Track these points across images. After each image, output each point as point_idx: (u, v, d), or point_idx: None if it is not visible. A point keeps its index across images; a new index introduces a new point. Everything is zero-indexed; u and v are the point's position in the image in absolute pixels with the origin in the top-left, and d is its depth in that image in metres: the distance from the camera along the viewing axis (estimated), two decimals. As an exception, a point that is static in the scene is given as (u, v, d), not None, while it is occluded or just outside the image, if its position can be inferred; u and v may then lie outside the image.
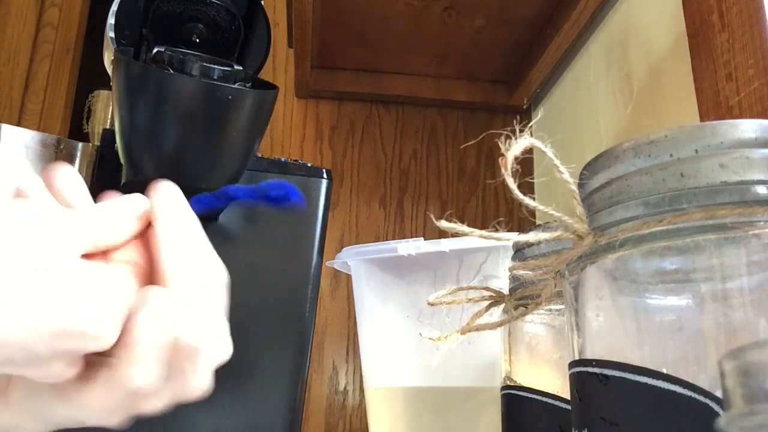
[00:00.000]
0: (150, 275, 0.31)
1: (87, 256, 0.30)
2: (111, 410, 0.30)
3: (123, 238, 0.32)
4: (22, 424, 0.31)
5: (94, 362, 0.30)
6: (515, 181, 0.31)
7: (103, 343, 0.28)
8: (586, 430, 0.29)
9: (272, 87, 0.56)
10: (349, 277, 0.72)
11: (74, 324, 0.27)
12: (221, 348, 0.32)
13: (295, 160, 0.68)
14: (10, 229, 0.27)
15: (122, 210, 0.32)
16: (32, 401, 0.30)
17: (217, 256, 0.33)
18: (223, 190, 0.42)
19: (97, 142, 0.63)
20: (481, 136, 1.14)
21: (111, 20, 0.53)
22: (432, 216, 0.37)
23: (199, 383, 0.31)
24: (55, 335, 0.27)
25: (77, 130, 0.94)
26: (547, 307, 0.42)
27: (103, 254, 0.31)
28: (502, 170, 0.31)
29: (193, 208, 0.33)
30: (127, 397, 0.30)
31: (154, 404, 0.31)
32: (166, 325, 0.29)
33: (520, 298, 0.44)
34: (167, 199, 0.33)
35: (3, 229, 0.27)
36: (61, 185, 0.32)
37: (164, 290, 0.30)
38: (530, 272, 0.38)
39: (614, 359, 0.28)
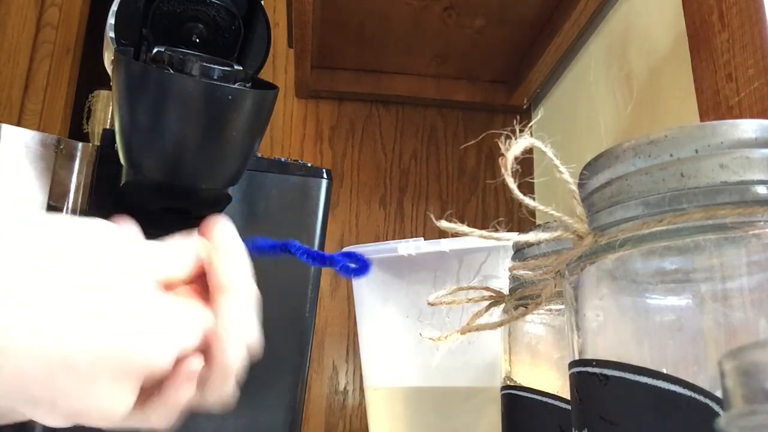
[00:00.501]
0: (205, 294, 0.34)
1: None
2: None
3: (186, 274, 0.34)
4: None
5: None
6: (515, 181, 0.31)
7: (158, 369, 0.30)
8: (586, 430, 0.29)
9: (272, 87, 0.56)
10: (349, 277, 0.72)
11: (133, 347, 0.28)
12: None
13: (295, 160, 0.68)
14: (88, 249, 0.29)
15: (186, 248, 0.34)
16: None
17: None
18: (287, 244, 0.42)
19: (97, 142, 0.63)
20: (481, 136, 1.14)
21: (111, 20, 0.53)
22: (432, 216, 0.37)
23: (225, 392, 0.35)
24: (113, 355, 0.28)
25: (77, 130, 0.94)
26: (547, 307, 0.42)
27: (167, 286, 0.33)
28: (502, 170, 0.31)
29: (249, 249, 0.36)
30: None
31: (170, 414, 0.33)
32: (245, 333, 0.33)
33: (520, 298, 0.44)
34: (224, 233, 0.35)
35: (82, 249, 0.29)
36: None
37: (235, 302, 0.33)
38: (530, 272, 0.38)
39: (614, 359, 0.28)
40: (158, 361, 0.30)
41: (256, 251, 0.38)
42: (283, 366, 0.62)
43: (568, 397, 0.32)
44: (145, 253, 0.32)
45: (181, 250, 0.34)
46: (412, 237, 0.69)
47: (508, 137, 0.31)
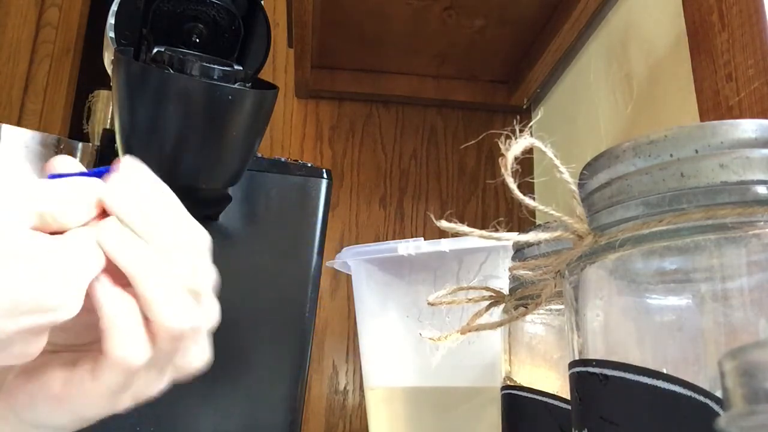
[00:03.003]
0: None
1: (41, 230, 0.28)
2: (112, 397, 0.29)
3: (77, 218, 0.29)
4: None
5: (79, 357, 0.30)
6: (515, 181, 0.31)
7: (64, 315, 0.27)
8: (586, 430, 0.29)
9: (272, 87, 0.56)
10: (349, 277, 0.72)
11: (29, 297, 0.26)
12: (209, 314, 0.31)
13: (295, 160, 0.68)
14: None
15: (77, 189, 0.29)
16: (32, 411, 0.30)
17: (197, 223, 0.31)
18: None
19: (97, 142, 0.63)
20: (481, 136, 1.14)
21: (111, 20, 0.53)
22: (432, 216, 0.37)
23: (197, 355, 0.31)
24: (10, 310, 0.26)
25: (77, 130, 0.94)
26: (547, 307, 0.42)
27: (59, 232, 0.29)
28: (502, 170, 0.31)
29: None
30: (124, 378, 0.29)
31: (155, 382, 0.31)
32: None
33: (520, 298, 0.44)
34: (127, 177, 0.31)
35: None
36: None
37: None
38: (530, 272, 0.38)
39: (614, 359, 0.28)
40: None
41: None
42: (283, 366, 0.62)
43: (568, 397, 0.32)
44: (24, 189, 0.28)
45: (78, 192, 0.29)
46: (412, 237, 0.69)
47: (508, 137, 0.31)
